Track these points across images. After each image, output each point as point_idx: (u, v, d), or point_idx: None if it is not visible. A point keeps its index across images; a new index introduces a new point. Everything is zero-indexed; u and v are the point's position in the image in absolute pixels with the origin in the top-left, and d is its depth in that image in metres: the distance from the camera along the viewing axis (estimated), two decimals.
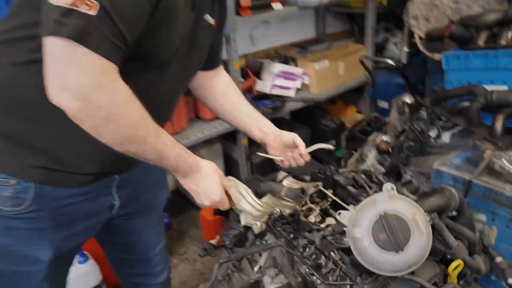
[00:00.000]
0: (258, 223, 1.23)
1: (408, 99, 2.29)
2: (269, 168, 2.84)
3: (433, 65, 2.50)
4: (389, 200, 1.07)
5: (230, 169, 2.96)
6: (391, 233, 1.03)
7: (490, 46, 1.69)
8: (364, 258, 1.05)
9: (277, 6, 2.66)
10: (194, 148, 2.68)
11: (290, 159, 1.38)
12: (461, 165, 1.65)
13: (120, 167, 1.17)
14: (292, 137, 1.35)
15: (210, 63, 1.33)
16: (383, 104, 3.05)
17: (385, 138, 2.22)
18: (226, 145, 2.93)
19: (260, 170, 2.82)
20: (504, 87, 1.60)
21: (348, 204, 1.40)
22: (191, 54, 1.14)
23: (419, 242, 1.03)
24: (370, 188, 1.45)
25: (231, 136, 2.80)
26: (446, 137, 1.95)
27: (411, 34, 2.89)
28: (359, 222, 1.07)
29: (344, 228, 1.11)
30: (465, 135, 1.92)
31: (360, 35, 3.55)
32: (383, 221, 1.04)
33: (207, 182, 1.11)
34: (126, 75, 0.89)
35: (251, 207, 1.26)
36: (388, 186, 1.12)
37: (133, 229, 1.36)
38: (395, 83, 2.98)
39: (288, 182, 1.44)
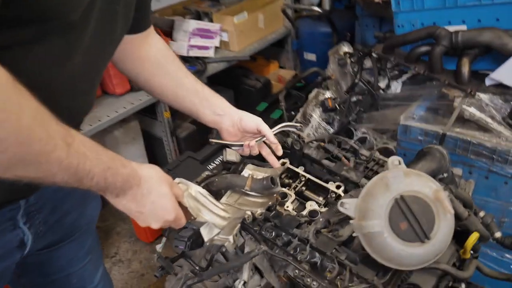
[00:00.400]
0: (231, 238, 0.94)
1: (347, 48, 2.11)
2: (199, 142, 2.53)
3: (362, 9, 2.33)
4: (404, 178, 0.85)
5: (152, 149, 2.58)
6: (414, 220, 0.82)
7: None
8: (384, 255, 0.84)
9: None
10: (107, 130, 2.25)
11: (252, 147, 1.09)
12: (427, 116, 1.51)
13: (23, 191, 0.79)
14: (255, 122, 1.07)
15: (138, 23, 0.96)
16: (310, 56, 2.85)
17: (329, 94, 2.03)
18: (145, 121, 2.53)
19: (189, 146, 2.49)
20: (463, 27, 1.46)
21: (327, 182, 1.18)
22: (114, 10, 0.78)
23: (446, 225, 0.84)
24: (348, 159, 1.24)
25: (149, 111, 2.40)
26: (396, 86, 1.81)
27: None
28: (371, 212, 0.85)
29: (351, 221, 0.88)
30: (416, 82, 1.79)
31: None
32: (402, 206, 0.83)
33: (153, 198, 0.79)
34: (7, 51, 0.57)
35: (215, 216, 0.96)
36: (394, 160, 0.91)
37: (59, 263, 0.99)
38: (320, 33, 2.78)
39: (250, 171, 1.15)
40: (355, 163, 1.22)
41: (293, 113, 2.19)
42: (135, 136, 2.50)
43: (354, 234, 0.87)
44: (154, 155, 2.62)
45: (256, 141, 1.08)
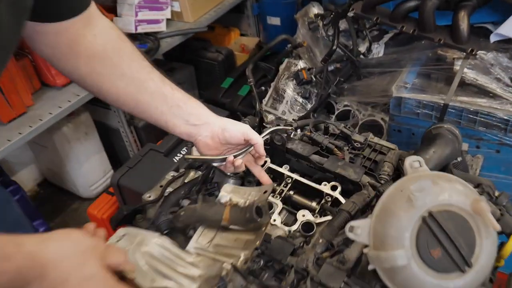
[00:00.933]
0: None
1: (317, 9, 1.85)
2: (160, 130, 2.23)
3: None
4: (431, 187, 0.63)
5: (110, 142, 2.29)
6: (450, 244, 0.62)
7: None
8: None
9: None
10: (54, 128, 1.94)
11: (238, 166, 0.87)
12: (421, 84, 1.30)
13: None
14: (242, 132, 0.84)
15: (65, 3, 0.69)
16: (274, 21, 2.57)
17: (302, 64, 1.79)
18: (97, 112, 2.22)
19: (149, 136, 2.21)
20: None
21: (319, 182, 0.96)
22: None
23: (489, 244, 0.64)
24: (341, 149, 1.02)
25: (100, 100, 2.08)
26: (378, 50, 1.58)
27: None
28: (391, 239, 0.63)
29: (365, 250, 0.67)
30: (400, 43, 1.57)
31: None
32: (433, 227, 0.62)
33: (73, 286, 0.55)
34: None
35: (182, 277, 0.70)
36: (413, 162, 0.69)
37: None
38: None
39: (228, 194, 0.87)
40: (350, 153, 1.00)
41: (263, 88, 1.95)
42: (88, 130, 2.19)
43: (370, 267, 0.66)
44: (113, 149, 2.34)
45: (241, 153, 0.86)
